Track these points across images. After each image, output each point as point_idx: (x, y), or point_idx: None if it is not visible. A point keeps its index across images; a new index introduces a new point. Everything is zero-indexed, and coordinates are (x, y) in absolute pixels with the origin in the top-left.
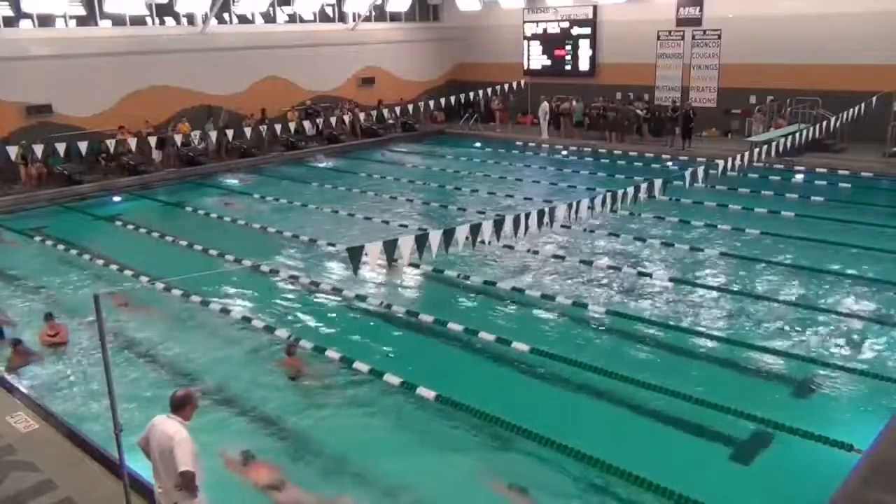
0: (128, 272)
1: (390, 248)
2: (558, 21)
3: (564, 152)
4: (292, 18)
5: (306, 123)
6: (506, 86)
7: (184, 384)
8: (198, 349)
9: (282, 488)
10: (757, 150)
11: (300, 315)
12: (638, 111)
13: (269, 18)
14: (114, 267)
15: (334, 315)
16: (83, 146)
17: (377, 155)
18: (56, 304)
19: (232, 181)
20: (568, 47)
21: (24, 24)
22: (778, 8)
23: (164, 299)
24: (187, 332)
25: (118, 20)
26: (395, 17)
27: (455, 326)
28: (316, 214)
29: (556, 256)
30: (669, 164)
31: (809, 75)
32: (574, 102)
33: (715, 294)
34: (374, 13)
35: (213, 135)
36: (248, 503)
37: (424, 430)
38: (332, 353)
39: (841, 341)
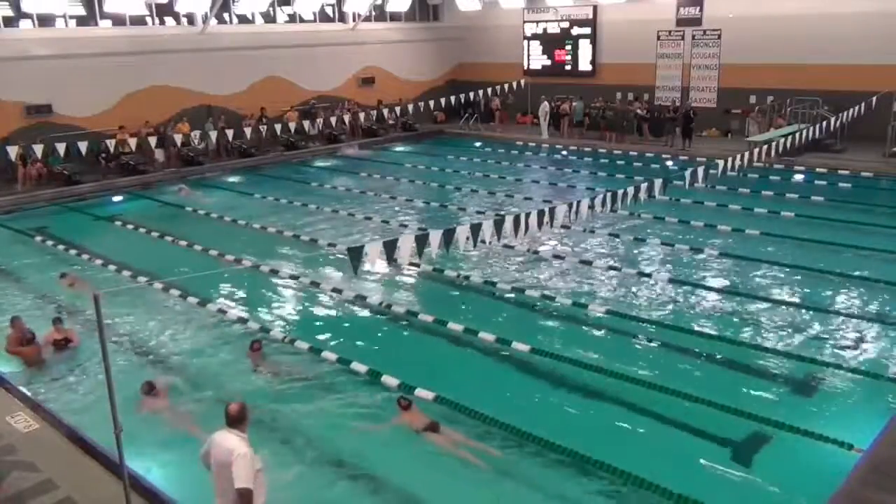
0: (126, 272)
1: (390, 248)
2: (558, 21)
3: (564, 152)
4: (292, 18)
5: (306, 123)
6: (506, 86)
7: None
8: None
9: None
10: (757, 150)
11: (293, 312)
12: (638, 111)
13: (269, 18)
14: (113, 267)
15: (329, 314)
16: (83, 146)
17: (378, 154)
18: (54, 304)
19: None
20: (568, 47)
21: (24, 24)
22: (778, 8)
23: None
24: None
25: (118, 20)
26: (395, 17)
27: (455, 326)
28: (315, 214)
29: (556, 256)
30: (669, 164)
31: (809, 75)
32: (574, 102)
33: (715, 294)
34: (374, 13)
35: (213, 135)
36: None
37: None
38: (329, 355)
39: (841, 341)
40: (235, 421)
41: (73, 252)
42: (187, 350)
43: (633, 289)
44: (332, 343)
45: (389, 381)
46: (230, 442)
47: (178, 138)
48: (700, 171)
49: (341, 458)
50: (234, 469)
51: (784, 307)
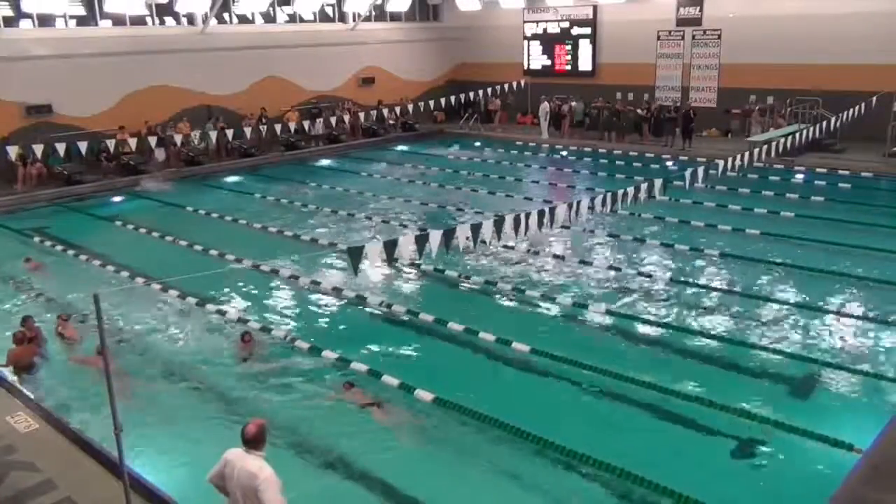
0: (125, 272)
1: (390, 248)
2: (558, 21)
3: (564, 152)
4: (292, 18)
5: (306, 123)
6: (506, 86)
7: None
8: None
9: (121, 376)
10: (757, 150)
11: (293, 311)
12: (638, 111)
13: (269, 18)
14: (112, 267)
15: (328, 311)
16: (83, 146)
17: (378, 154)
18: (54, 304)
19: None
20: (568, 47)
21: (24, 24)
22: (778, 8)
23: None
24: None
25: (118, 20)
26: (395, 17)
27: (455, 326)
28: (316, 214)
29: (556, 256)
30: (669, 164)
31: (809, 75)
32: (574, 102)
33: (715, 294)
34: (374, 13)
35: (213, 135)
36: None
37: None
38: (329, 353)
39: (841, 341)
40: (254, 442)
41: (72, 252)
42: (185, 348)
43: (633, 289)
44: (330, 341)
45: (389, 380)
46: (252, 465)
47: (178, 138)
48: (700, 171)
49: (325, 446)
50: (263, 495)
51: (784, 307)
